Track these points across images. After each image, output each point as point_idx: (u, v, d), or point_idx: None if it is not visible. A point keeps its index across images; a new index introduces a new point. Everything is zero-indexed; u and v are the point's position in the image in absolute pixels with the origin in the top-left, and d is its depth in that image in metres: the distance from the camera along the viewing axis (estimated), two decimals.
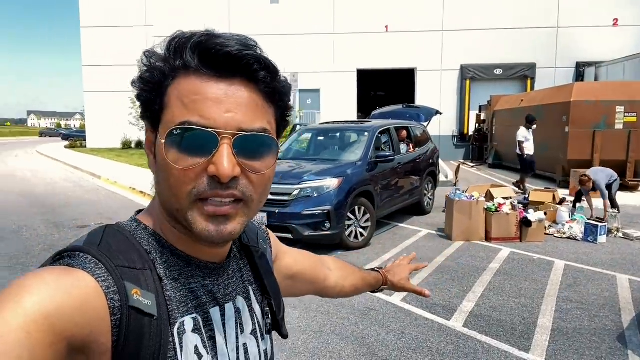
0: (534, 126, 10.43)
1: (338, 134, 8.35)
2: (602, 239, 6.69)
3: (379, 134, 7.53)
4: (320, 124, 9.91)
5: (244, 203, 0.64)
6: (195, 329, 0.66)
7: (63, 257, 0.60)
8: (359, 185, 6.48)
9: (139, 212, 0.74)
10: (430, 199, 9.04)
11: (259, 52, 0.64)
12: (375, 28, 20.72)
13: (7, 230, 7.54)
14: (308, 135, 8.51)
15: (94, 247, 0.61)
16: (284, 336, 0.85)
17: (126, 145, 25.14)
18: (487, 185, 8.74)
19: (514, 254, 6.17)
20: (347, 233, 6.29)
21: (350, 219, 6.34)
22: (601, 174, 7.76)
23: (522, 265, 5.74)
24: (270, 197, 6.01)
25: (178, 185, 0.62)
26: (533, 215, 6.85)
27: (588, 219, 7.21)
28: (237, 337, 0.73)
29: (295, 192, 6.04)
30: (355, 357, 3.54)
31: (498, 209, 6.85)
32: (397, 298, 4.64)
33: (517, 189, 10.37)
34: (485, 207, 6.91)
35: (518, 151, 10.47)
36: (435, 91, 20.58)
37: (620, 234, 7.03)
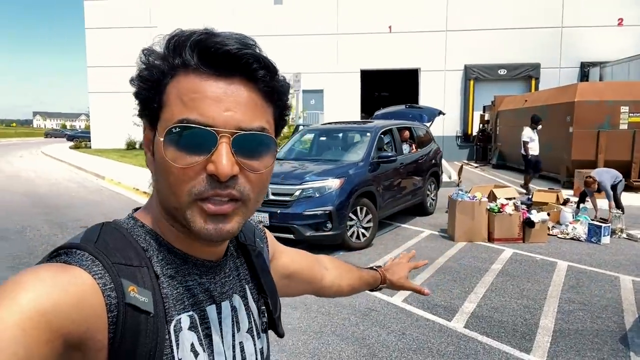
0: (539, 126, 10.36)
1: (340, 135, 8.35)
2: (605, 239, 6.66)
3: (381, 134, 7.52)
4: (322, 124, 9.91)
5: (242, 202, 0.64)
6: (192, 327, 0.66)
7: (60, 254, 0.60)
8: (361, 185, 6.47)
9: (136, 209, 0.74)
10: (433, 200, 9.02)
11: (257, 51, 0.64)
12: (379, 28, 20.71)
13: (11, 230, 7.58)
14: (310, 136, 8.51)
15: (91, 244, 0.61)
16: (280, 335, 0.85)
17: (130, 146, 25.23)
18: (490, 185, 8.71)
19: (517, 255, 6.15)
20: (349, 233, 6.29)
21: (352, 220, 6.33)
22: (606, 175, 7.72)
23: (524, 266, 5.71)
24: (272, 197, 6.04)
25: (177, 184, 0.62)
26: (536, 216, 6.82)
27: (592, 220, 7.17)
28: (233, 336, 0.73)
29: (297, 193, 6.04)
30: (355, 357, 3.53)
31: (501, 210, 6.82)
32: (398, 299, 4.63)
33: (522, 190, 10.33)
34: (488, 207, 6.89)
35: (523, 151, 10.41)
36: (439, 91, 20.54)
37: (624, 235, 6.99)
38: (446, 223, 7.41)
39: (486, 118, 18.81)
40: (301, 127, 11.47)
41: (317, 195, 6.05)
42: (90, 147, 27.81)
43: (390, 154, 7.25)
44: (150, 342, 0.60)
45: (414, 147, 8.65)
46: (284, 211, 5.98)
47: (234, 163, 0.61)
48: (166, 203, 0.66)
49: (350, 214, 6.28)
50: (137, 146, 25.21)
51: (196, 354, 0.65)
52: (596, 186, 7.56)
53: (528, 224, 6.75)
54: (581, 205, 7.95)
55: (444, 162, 11.86)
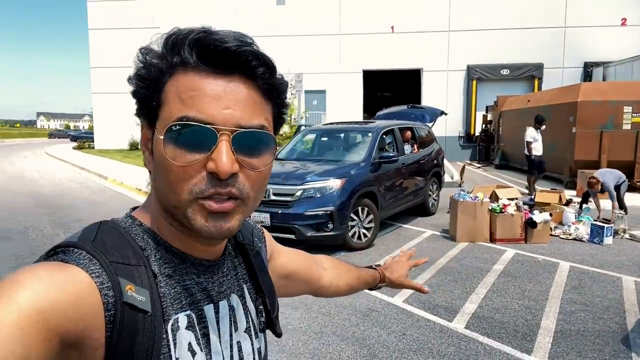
0: (543, 127, 10.31)
1: (342, 135, 8.34)
2: (608, 240, 6.63)
3: (382, 134, 7.51)
4: (324, 124, 9.91)
5: (241, 200, 0.64)
6: (189, 326, 0.66)
7: (57, 253, 0.60)
8: (362, 186, 6.47)
9: (134, 208, 0.74)
10: (435, 200, 9.00)
11: (256, 48, 0.64)
12: (381, 29, 20.69)
13: (14, 230, 7.61)
14: (312, 136, 8.51)
15: (88, 243, 0.61)
16: (278, 335, 0.85)
17: (133, 146, 25.30)
18: (493, 186, 8.70)
19: (519, 255, 6.13)
20: (350, 234, 6.28)
21: (353, 220, 6.32)
22: (609, 176, 7.69)
23: (526, 266, 5.69)
24: (273, 197, 6.04)
25: (177, 182, 0.62)
26: (538, 217, 6.80)
27: (594, 220, 7.14)
28: (230, 335, 0.73)
29: (299, 193, 6.03)
30: (355, 358, 3.52)
31: (503, 210, 6.80)
32: (399, 299, 4.62)
33: (525, 191, 10.30)
34: (490, 208, 6.87)
35: (526, 152, 10.36)
36: (442, 92, 20.50)
37: (626, 236, 6.96)
38: (448, 223, 7.40)
39: (489, 118, 18.77)
40: (303, 128, 11.47)
41: (319, 196, 6.05)
42: (93, 148, 27.91)
43: (391, 154, 7.24)
44: (148, 341, 0.60)
45: (415, 147, 8.63)
46: (285, 211, 5.98)
47: (234, 161, 0.61)
48: (165, 201, 0.65)
49: (352, 215, 6.27)
50: (140, 146, 25.30)
51: (193, 354, 0.65)
52: (599, 187, 7.53)
53: (530, 224, 6.73)
54: (584, 206, 7.91)
55: (446, 162, 11.83)
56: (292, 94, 14.39)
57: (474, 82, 20.21)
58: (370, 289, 1.28)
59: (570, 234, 7.01)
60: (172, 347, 0.63)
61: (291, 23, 21.16)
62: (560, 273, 5.42)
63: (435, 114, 10.55)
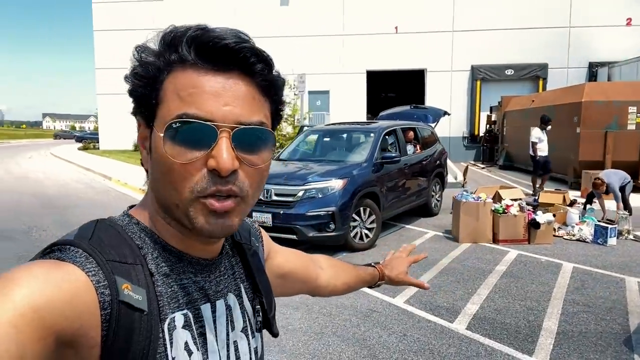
0: (549, 127, 10.25)
1: (344, 135, 8.34)
2: (612, 241, 6.59)
3: (385, 135, 7.50)
4: (326, 125, 9.91)
5: (241, 198, 0.64)
6: (186, 325, 0.66)
7: (53, 251, 0.59)
8: (364, 186, 6.46)
9: (131, 207, 0.74)
10: (438, 201, 8.98)
11: (254, 45, 0.64)
12: (385, 29, 20.68)
13: (18, 230, 7.66)
14: (314, 137, 8.51)
15: (85, 241, 0.61)
16: (275, 335, 0.85)
17: (138, 147, 25.42)
18: (496, 186, 8.66)
19: (522, 256, 6.10)
20: (352, 234, 6.27)
21: (355, 220, 6.31)
22: (614, 177, 7.64)
23: (529, 267, 5.66)
24: (275, 197, 6.04)
25: (178, 180, 0.61)
26: (541, 217, 6.76)
27: (599, 221, 7.09)
28: (227, 334, 0.73)
29: (300, 193, 6.03)
30: (355, 359, 3.52)
31: (505, 211, 6.77)
32: (400, 300, 4.61)
33: (529, 191, 10.25)
34: (493, 208, 6.84)
35: (531, 152, 10.31)
36: (446, 92, 20.47)
37: (631, 236, 6.91)
38: (451, 224, 7.37)
39: (493, 119, 18.71)
40: (305, 128, 11.48)
41: (320, 196, 6.04)
42: (98, 149, 28.03)
43: (394, 155, 7.23)
44: (144, 341, 0.59)
45: (418, 147, 8.61)
46: (287, 212, 5.97)
47: (234, 158, 0.61)
48: (165, 200, 0.65)
49: (354, 215, 6.26)
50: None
51: (190, 353, 0.65)
52: (604, 188, 7.48)
53: (533, 225, 6.70)
54: (588, 207, 7.86)
55: (449, 162, 11.80)
56: (295, 94, 14.39)
57: (478, 83, 20.16)
58: (370, 287, 1.27)
59: (573, 235, 6.97)
60: (168, 346, 0.62)
61: (295, 23, 21.19)
62: (563, 274, 5.39)
63: (438, 114, 10.52)
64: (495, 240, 6.75)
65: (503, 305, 4.51)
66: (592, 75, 19.24)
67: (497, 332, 3.93)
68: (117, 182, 13.56)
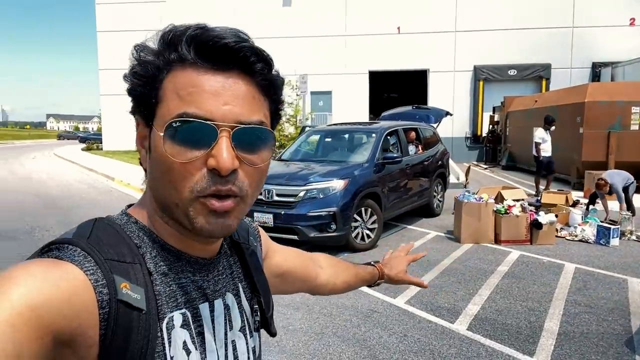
0: (553, 127, 10.20)
1: (346, 136, 8.33)
2: (614, 241, 6.56)
3: (386, 135, 7.49)
4: (327, 125, 9.90)
5: (240, 198, 0.64)
6: (184, 325, 0.66)
7: (51, 250, 0.59)
8: (365, 186, 6.45)
9: (129, 206, 0.74)
10: (440, 201, 8.96)
11: (253, 44, 0.64)
12: (387, 29, 20.66)
13: (21, 230, 7.69)
14: (316, 137, 8.51)
15: (83, 240, 0.60)
16: (272, 334, 0.85)
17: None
18: (498, 187, 8.65)
19: (524, 257, 6.08)
20: (353, 235, 6.26)
21: (356, 221, 6.31)
22: (617, 177, 7.61)
23: (531, 268, 5.65)
24: (276, 198, 6.05)
25: (178, 180, 0.61)
26: (544, 218, 6.74)
27: (602, 222, 7.06)
28: (225, 334, 0.73)
29: (302, 194, 6.03)
30: (355, 359, 3.51)
31: (508, 211, 6.75)
32: (400, 300, 4.61)
33: (531, 192, 10.22)
34: (495, 209, 6.82)
35: (534, 153, 10.26)
36: (448, 92, 20.43)
37: (633, 237, 6.88)
38: (453, 225, 7.36)
39: (496, 119, 18.67)
40: (308, 129, 11.48)
41: (322, 196, 6.04)
42: (101, 149, 28.11)
43: (395, 155, 7.22)
44: (142, 340, 0.59)
45: (420, 148, 8.60)
46: (288, 212, 5.98)
47: (234, 157, 0.61)
48: (165, 200, 0.65)
49: (355, 215, 6.26)
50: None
51: (188, 352, 0.65)
52: (608, 188, 7.45)
53: (535, 225, 6.67)
54: (590, 207, 7.84)
55: (451, 163, 11.78)
56: (297, 95, 14.39)
57: (481, 83, 20.12)
58: (370, 286, 1.27)
59: (576, 236, 6.94)
60: (166, 345, 0.62)
61: (297, 24, 21.20)
62: (565, 275, 5.37)
63: (440, 114, 10.50)
64: (497, 240, 6.73)
65: (504, 305, 4.50)
66: (595, 76, 19.17)
67: (498, 332, 3.92)
68: (120, 182, 13.59)
